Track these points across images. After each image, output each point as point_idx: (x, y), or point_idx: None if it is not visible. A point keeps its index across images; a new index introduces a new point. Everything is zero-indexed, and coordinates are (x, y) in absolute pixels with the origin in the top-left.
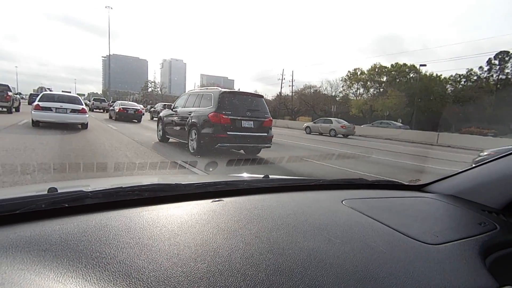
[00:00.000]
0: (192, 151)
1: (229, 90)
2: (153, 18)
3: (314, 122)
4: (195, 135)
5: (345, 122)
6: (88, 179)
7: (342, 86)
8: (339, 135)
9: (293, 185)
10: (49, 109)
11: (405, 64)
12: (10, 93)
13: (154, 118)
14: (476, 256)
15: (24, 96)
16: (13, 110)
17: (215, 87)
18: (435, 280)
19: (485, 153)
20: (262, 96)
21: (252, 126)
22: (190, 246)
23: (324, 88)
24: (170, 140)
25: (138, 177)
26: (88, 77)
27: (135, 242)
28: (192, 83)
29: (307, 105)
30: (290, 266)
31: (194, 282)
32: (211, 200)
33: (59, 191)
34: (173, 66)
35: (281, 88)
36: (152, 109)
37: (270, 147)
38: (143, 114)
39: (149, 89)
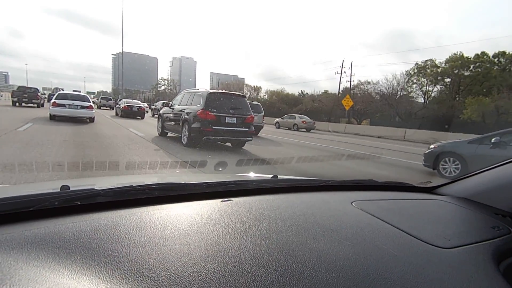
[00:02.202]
0: (184, 143)
1: (216, 90)
2: (163, 16)
3: (282, 118)
4: (187, 129)
5: (306, 118)
6: (98, 177)
7: (407, 82)
8: (301, 129)
9: (302, 186)
10: (63, 105)
11: (503, 53)
12: (39, 94)
13: (155, 115)
14: (489, 261)
15: (46, 96)
16: (40, 106)
17: (205, 89)
18: (448, 285)
19: (432, 146)
20: (245, 96)
21: (235, 122)
22: (200, 245)
23: (390, 85)
24: (168, 134)
25: (147, 176)
26: (95, 75)
27: (146, 241)
28: (202, 81)
29: (388, 106)
30: (300, 268)
31: (205, 282)
32: (220, 199)
33: (71, 189)
34: (183, 64)
35: (340, 83)
36: (153, 106)
37: (251, 140)
38: (147, 111)
39: (162, 87)
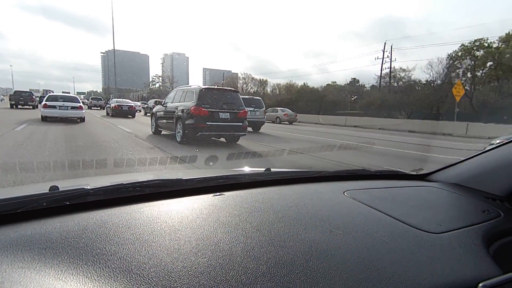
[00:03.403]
0: (178, 140)
1: (208, 86)
2: (151, 11)
3: (265, 111)
4: (181, 126)
5: (288, 111)
6: (89, 177)
7: (449, 67)
8: (284, 122)
9: (294, 178)
10: (54, 107)
11: None
12: (34, 97)
13: (148, 114)
14: (479, 244)
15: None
16: (35, 107)
17: (198, 85)
18: (438, 268)
19: (498, 141)
20: (238, 91)
21: (228, 117)
22: (190, 240)
23: (435, 71)
24: (163, 132)
25: (140, 174)
26: (84, 74)
27: (135, 238)
28: (195, 77)
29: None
30: (291, 258)
31: (195, 276)
32: (212, 194)
33: (60, 189)
34: (175, 60)
35: (381, 70)
36: (145, 105)
37: (245, 135)
38: (139, 110)
39: (156, 85)
